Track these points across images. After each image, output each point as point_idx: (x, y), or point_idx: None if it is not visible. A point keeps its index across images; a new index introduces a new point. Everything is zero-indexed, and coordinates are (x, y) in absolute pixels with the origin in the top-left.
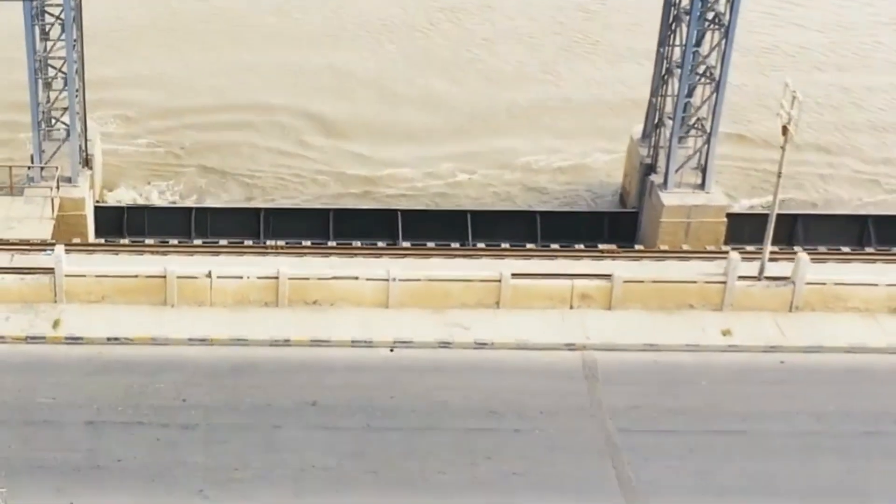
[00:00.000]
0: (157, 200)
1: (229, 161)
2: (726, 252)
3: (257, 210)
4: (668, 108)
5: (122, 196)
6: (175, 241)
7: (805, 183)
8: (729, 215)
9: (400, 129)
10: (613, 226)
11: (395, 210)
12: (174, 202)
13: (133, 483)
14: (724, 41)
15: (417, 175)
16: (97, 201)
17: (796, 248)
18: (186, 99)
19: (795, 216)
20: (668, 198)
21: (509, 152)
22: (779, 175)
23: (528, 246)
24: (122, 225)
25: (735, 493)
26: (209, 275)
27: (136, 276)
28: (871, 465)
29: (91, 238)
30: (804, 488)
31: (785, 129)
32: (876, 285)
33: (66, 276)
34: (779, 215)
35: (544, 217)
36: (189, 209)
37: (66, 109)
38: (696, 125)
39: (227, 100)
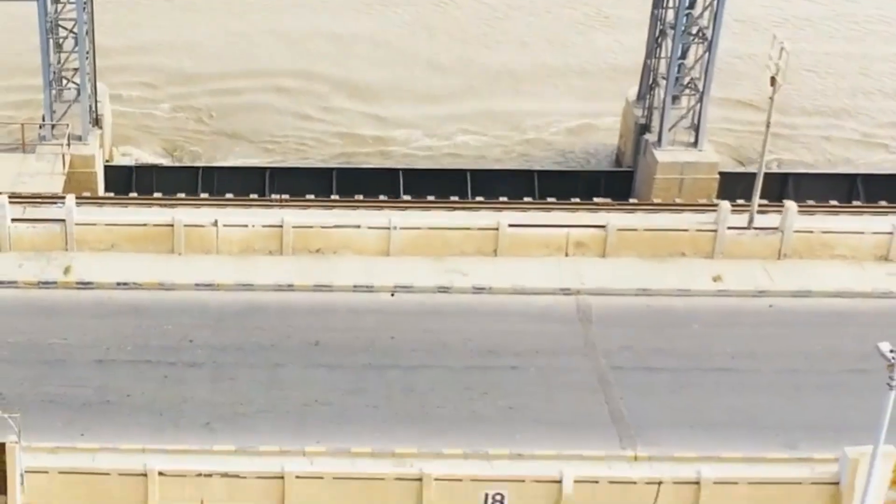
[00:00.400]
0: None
1: (250, 125)
2: (717, 205)
3: (263, 169)
4: (663, 69)
5: (139, 156)
6: (182, 195)
7: (811, 145)
8: (721, 174)
9: (416, 92)
10: (609, 184)
11: (397, 169)
12: (182, 162)
13: (141, 417)
14: (715, 1)
15: (428, 136)
16: (106, 161)
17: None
18: (211, 65)
19: (786, 175)
20: (662, 155)
21: (519, 114)
22: (767, 125)
23: (526, 199)
24: (130, 183)
25: (724, 427)
26: (215, 223)
27: (144, 225)
28: (856, 401)
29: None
30: (791, 422)
31: (773, 80)
32: (862, 233)
33: (77, 224)
34: (770, 174)
35: (542, 176)
36: (196, 168)
37: (76, 70)
38: (689, 85)
39: (250, 66)
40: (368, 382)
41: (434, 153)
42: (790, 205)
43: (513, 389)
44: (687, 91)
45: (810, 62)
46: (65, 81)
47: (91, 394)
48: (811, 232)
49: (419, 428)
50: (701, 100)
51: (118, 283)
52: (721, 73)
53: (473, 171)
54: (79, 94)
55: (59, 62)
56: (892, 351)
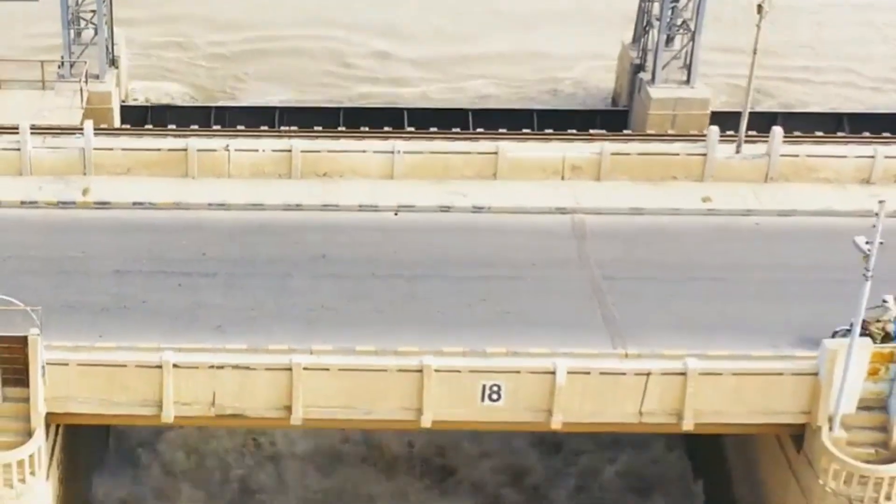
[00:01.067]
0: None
1: (278, 71)
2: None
3: (273, 108)
4: (656, 11)
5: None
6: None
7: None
8: (713, 113)
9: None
10: (605, 122)
11: (402, 108)
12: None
13: (157, 320)
14: None
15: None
16: (122, 101)
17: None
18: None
19: (775, 114)
20: (656, 91)
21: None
22: (755, 51)
23: (525, 130)
24: (145, 121)
25: (711, 330)
26: (227, 148)
27: (159, 150)
28: (836, 307)
29: None
30: (775, 326)
31: (760, 7)
32: (845, 157)
33: (95, 149)
34: (759, 113)
35: (540, 115)
36: (209, 107)
37: (94, 12)
38: (682, 26)
39: (284, 19)
40: (373, 291)
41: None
42: (776, 130)
43: (510, 296)
44: (680, 31)
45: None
46: (83, 23)
47: (109, 300)
48: (797, 156)
49: (420, 330)
50: (693, 39)
51: (134, 203)
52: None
53: (475, 111)
54: (96, 33)
55: (76, 3)
56: (867, 243)
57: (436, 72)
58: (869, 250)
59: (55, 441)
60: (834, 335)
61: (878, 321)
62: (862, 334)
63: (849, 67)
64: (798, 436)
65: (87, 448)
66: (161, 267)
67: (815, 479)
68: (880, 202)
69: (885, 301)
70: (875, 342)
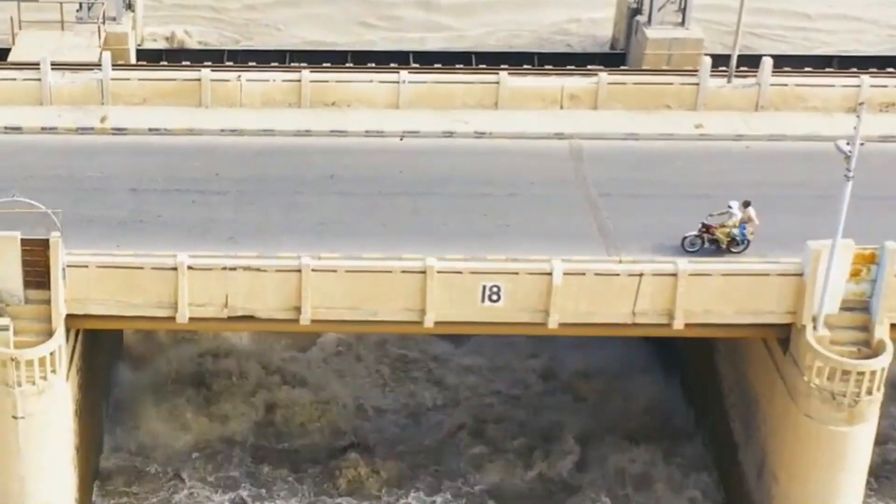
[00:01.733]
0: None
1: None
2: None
3: (284, 51)
4: None
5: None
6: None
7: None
8: (707, 55)
9: None
10: (603, 63)
11: (408, 52)
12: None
13: (171, 232)
14: None
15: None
16: (138, 45)
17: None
18: None
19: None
20: (652, 32)
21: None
22: None
23: (525, 66)
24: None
25: None
26: (239, 78)
27: (174, 80)
28: (822, 220)
29: None
30: (763, 236)
31: None
32: (833, 86)
33: (112, 80)
34: (750, 55)
35: (541, 57)
36: (222, 51)
37: None
38: None
39: None
40: (378, 206)
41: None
42: (766, 60)
43: (509, 211)
44: None
45: None
46: None
47: (125, 215)
48: (785, 85)
49: (423, 241)
50: None
51: (150, 129)
52: None
53: (478, 54)
54: None
55: None
56: (847, 144)
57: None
58: (850, 151)
59: (74, 346)
60: (683, 241)
61: (724, 226)
62: (710, 239)
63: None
64: (784, 339)
65: (104, 359)
66: (175, 185)
67: (801, 377)
68: (860, 103)
69: (730, 207)
70: (721, 246)
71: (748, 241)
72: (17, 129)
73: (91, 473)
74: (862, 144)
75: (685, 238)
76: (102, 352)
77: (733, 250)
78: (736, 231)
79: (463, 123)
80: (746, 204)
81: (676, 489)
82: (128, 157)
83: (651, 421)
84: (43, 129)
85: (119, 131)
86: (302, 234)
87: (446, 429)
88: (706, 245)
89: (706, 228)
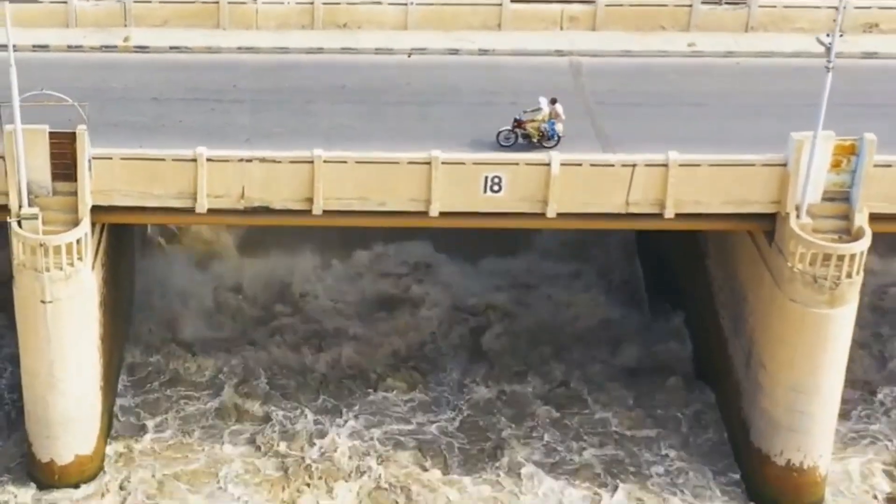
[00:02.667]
0: None
1: None
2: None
3: None
4: None
5: None
6: None
7: None
8: None
9: None
10: None
11: None
12: None
13: (191, 135)
14: None
15: None
16: None
17: None
18: None
19: None
20: None
21: None
22: None
23: None
24: None
25: (693, 142)
26: (255, 0)
27: (193, 3)
28: (806, 124)
29: None
30: (751, 138)
31: None
32: (819, 7)
33: (134, 2)
34: None
35: None
36: None
37: None
38: None
39: None
40: (387, 113)
41: None
42: None
43: (512, 117)
44: None
45: None
46: None
47: (148, 120)
48: (774, 7)
49: (430, 142)
50: None
51: (171, 48)
52: None
53: None
54: None
55: None
56: (828, 35)
57: None
58: (830, 44)
59: (100, 241)
60: (498, 136)
61: (533, 121)
62: (522, 134)
63: None
64: (769, 232)
65: (129, 259)
66: (195, 95)
67: (785, 264)
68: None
69: (539, 103)
70: (533, 140)
71: (559, 137)
72: (45, 48)
73: (116, 367)
74: (841, 35)
75: (500, 133)
76: (127, 252)
77: (545, 145)
78: (545, 126)
79: (468, 42)
80: (554, 101)
81: (669, 386)
82: (150, 73)
83: (641, 319)
84: (69, 47)
85: (141, 49)
86: (314, 137)
87: None
88: (520, 140)
89: (518, 123)
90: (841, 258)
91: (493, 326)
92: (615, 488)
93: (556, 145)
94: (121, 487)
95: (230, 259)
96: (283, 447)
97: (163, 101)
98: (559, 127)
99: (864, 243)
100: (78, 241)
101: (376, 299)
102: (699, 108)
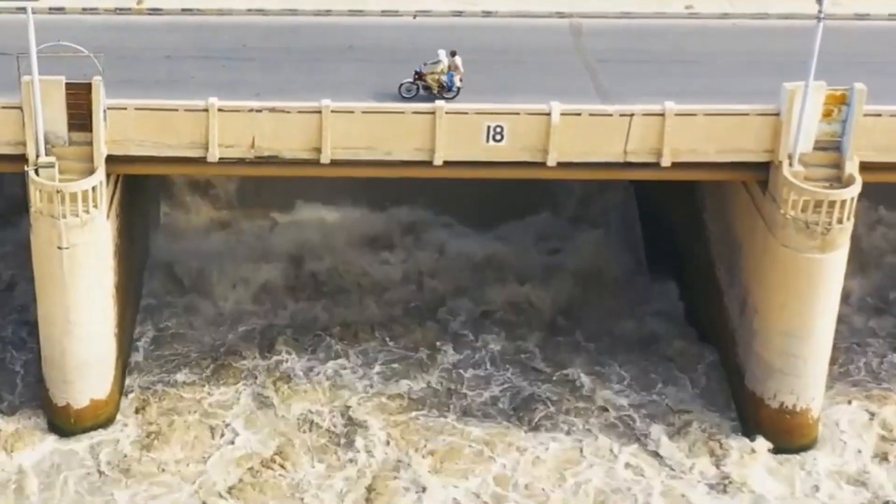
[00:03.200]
0: None
1: None
2: None
3: None
4: None
5: None
6: None
7: None
8: None
9: None
10: None
11: None
12: None
13: (203, 89)
14: None
15: None
16: None
17: None
18: None
19: None
20: None
21: None
22: None
23: None
24: None
25: (689, 96)
26: None
27: None
28: (797, 77)
29: None
30: (744, 92)
31: None
32: None
33: None
34: None
35: None
36: None
37: None
38: None
39: None
40: (394, 70)
41: None
42: None
43: (514, 74)
44: None
45: None
46: None
47: (161, 76)
48: None
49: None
50: None
51: (183, 10)
52: None
53: None
54: None
55: None
56: None
57: None
58: None
59: (114, 192)
60: (400, 87)
61: (433, 73)
62: (423, 86)
63: None
64: (763, 182)
65: (143, 213)
66: (206, 54)
67: (778, 211)
68: None
69: (438, 55)
70: (433, 91)
71: (458, 88)
72: (61, 10)
73: (131, 316)
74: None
75: (402, 84)
76: (143, 207)
77: (445, 96)
78: (444, 78)
79: (471, 4)
80: (453, 54)
81: (665, 333)
82: (162, 33)
83: (640, 275)
84: (84, 9)
85: (154, 12)
86: (322, 92)
87: None
88: (421, 91)
89: (419, 75)
90: (832, 204)
91: (495, 282)
92: (620, 435)
93: (455, 96)
94: (134, 431)
95: (250, 218)
96: (298, 392)
97: (175, 59)
98: (457, 79)
99: (855, 190)
100: (93, 189)
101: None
102: (695, 65)
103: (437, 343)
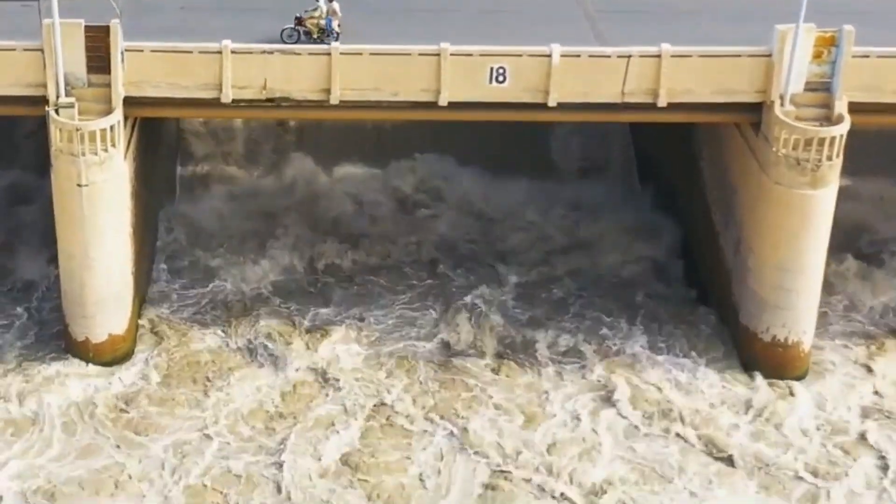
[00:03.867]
0: None
1: None
2: None
3: None
4: None
5: None
6: None
7: None
8: None
9: None
10: None
11: None
12: None
13: (217, 35)
14: None
15: None
16: None
17: None
18: None
19: None
20: None
21: None
22: None
23: None
24: None
25: (687, 43)
26: None
27: None
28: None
29: None
30: (738, 41)
31: None
32: None
33: None
34: None
35: None
36: None
37: None
38: None
39: None
40: (401, 20)
41: None
42: None
43: (516, 23)
44: None
45: None
46: None
47: (176, 25)
48: None
49: (441, 40)
50: None
51: None
52: None
53: None
54: None
55: None
56: None
57: None
58: None
59: (131, 135)
60: (282, 34)
61: (312, 18)
62: (304, 32)
63: None
64: (756, 124)
65: (160, 158)
66: (221, 5)
67: (770, 150)
68: None
69: (317, 1)
70: (313, 36)
71: (337, 33)
72: None
73: (149, 257)
74: None
75: (283, 30)
76: (161, 155)
77: (325, 41)
78: (323, 22)
79: None
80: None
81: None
82: None
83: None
84: None
85: None
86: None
87: None
88: (302, 37)
89: (299, 21)
90: (822, 141)
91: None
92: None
93: (335, 40)
94: (151, 366)
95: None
96: (312, 327)
97: (190, 10)
98: (335, 24)
99: (844, 128)
100: (111, 128)
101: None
102: (695, 15)
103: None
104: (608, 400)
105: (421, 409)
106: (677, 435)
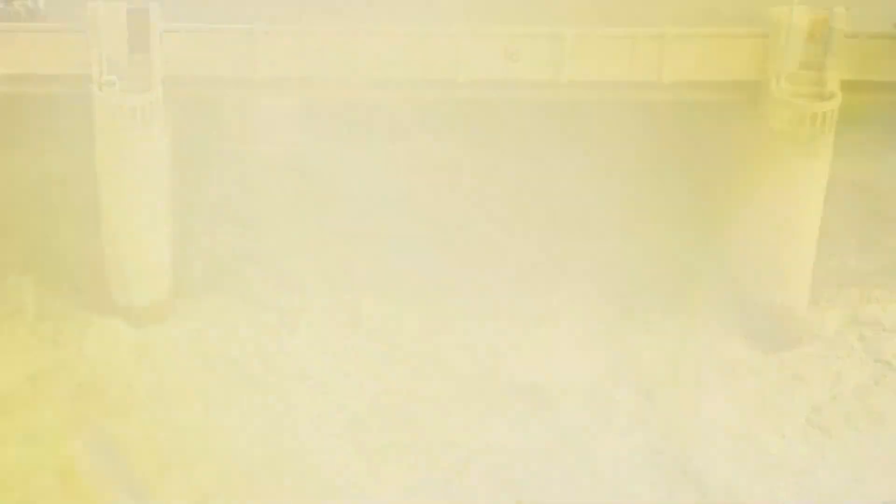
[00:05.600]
0: None
1: None
2: None
3: None
4: None
5: None
6: None
7: None
8: None
9: None
10: None
11: None
12: None
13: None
14: None
15: None
16: None
17: None
18: None
19: None
20: None
21: None
22: None
23: None
24: None
25: (687, 21)
26: None
27: None
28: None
29: None
30: (737, 17)
31: None
32: None
33: None
34: None
35: None
36: None
37: None
38: None
39: None
40: None
41: None
42: None
43: None
44: None
45: None
46: None
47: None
48: None
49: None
50: None
51: None
52: None
53: None
54: None
55: None
56: None
57: None
58: None
59: (169, 111)
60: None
61: None
62: (12, 12)
63: None
64: (754, 100)
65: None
66: None
67: (767, 125)
68: None
69: None
70: (22, 16)
71: (42, 11)
72: None
73: (188, 227)
74: None
75: None
76: (198, 136)
77: (36, 20)
78: (30, 3)
79: None
80: None
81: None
82: None
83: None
84: None
85: None
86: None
87: None
88: (12, 18)
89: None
90: (815, 117)
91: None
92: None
93: (43, 17)
94: (192, 329)
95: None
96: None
97: None
98: (41, 3)
99: (835, 103)
100: (150, 104)
101: None
102: None
103: None
104: None
105: None
106: None
